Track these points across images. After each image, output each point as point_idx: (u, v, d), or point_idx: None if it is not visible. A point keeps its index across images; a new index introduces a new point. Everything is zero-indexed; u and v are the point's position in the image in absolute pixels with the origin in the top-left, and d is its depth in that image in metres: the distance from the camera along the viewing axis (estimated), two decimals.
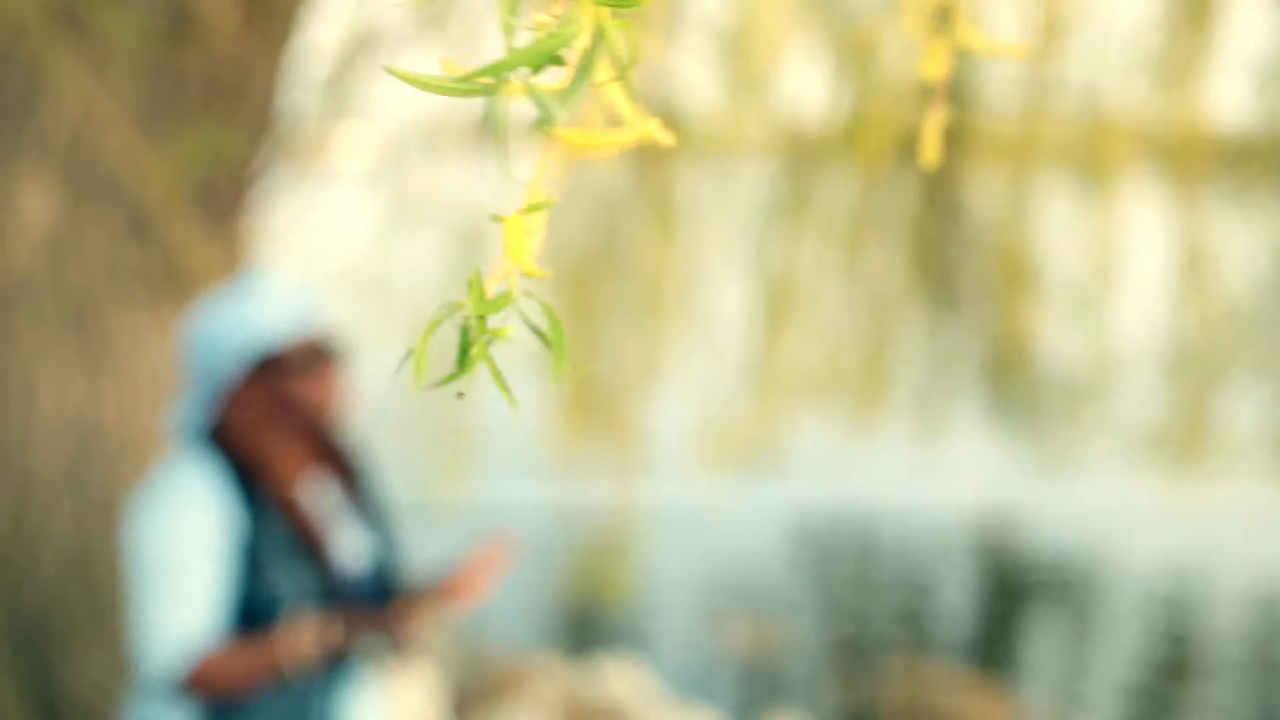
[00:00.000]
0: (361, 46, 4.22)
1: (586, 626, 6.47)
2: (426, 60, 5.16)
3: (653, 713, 4.79)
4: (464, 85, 0.62)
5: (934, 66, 0.73)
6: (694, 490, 7.11)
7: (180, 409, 2.23)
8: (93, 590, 3.51)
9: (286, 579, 2.09)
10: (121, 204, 3.50)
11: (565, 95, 0.62)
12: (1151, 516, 7.07)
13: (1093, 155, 5.96)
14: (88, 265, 3.49)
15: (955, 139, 6.04)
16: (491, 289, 0.62)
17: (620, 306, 5.79)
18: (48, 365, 3.46)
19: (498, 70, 0.61)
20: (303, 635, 2.02)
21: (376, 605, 2.20)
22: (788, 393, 6.22)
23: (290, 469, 2.16)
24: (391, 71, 0.61)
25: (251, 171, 3.78)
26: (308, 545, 2.12)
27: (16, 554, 3.45)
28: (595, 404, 5.74)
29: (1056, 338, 6.20)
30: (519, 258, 0.66)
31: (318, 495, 2.22)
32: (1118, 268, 5.98)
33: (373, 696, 2.27)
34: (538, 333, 0.64)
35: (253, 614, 2.09)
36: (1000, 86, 5.87)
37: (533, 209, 0.66)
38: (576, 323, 5.71)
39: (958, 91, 5.88)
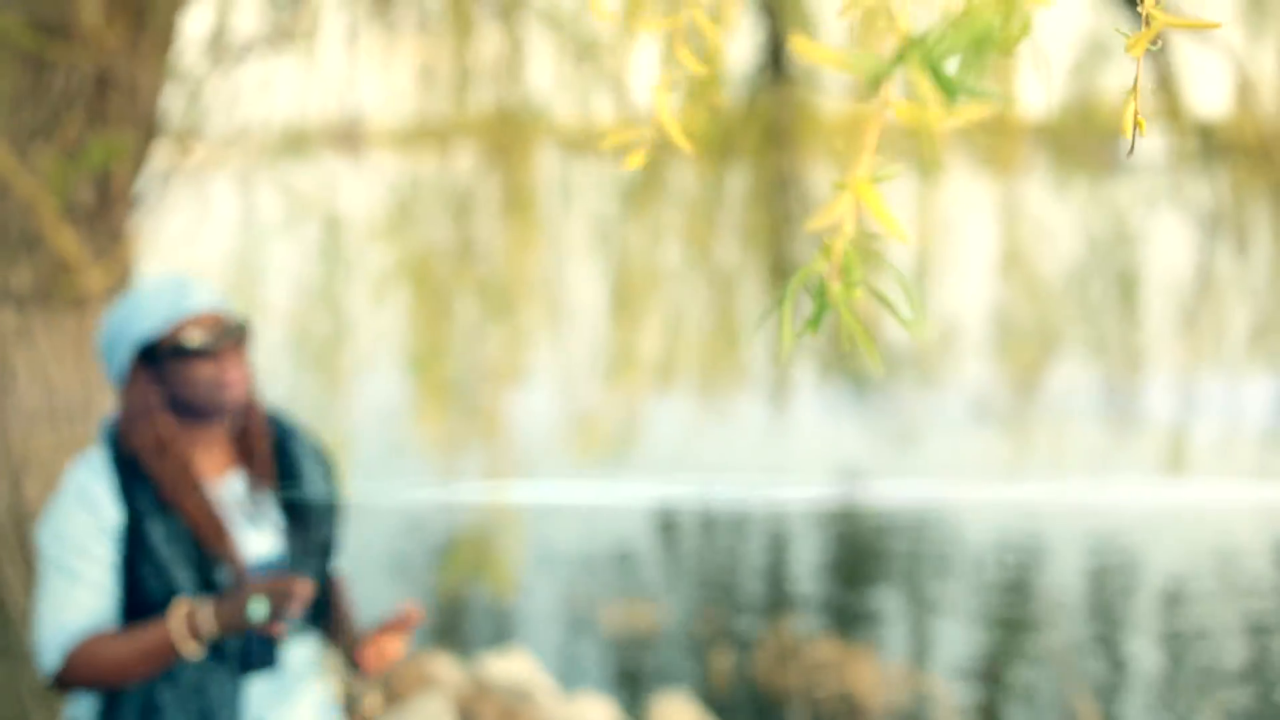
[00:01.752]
0: (228, 54, 4.21)
1: (466, 623, 6.52)
2: (285, 65, 5.15)
3: (543, 703, 4.88)
4: (875, 65, 0.67)
5: (1138, 47, 0.75)
6: (559, 480, 7.22)
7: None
8: None
9: (180, 573, 2.07)
10: (2, 218, 3.45)
11: (972, 69, 0.65)
12: (992, 478, 7.48)
13: (918, 137, 6.27)
14: None
15: (793, 122, 6.31)
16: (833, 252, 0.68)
17: (478, 301, 5.85)
18: None
19: (941, 50, 0.65)
20: (180, 611, 2.01)
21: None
22: (644, 379, 6.39)
23: (177, 461, 2.12)
24: (802, 48, 0.65)
25: (133, 179, 3.75)
26: (200, 539, 2.09)
27: None
28: (459, 401, 5.79)
29: (896, 315, 6.50)
30: (885, 221, 0.71)
31: (221, 485, 2.19)
32: (948, 246, 6.34)
33: (303, 690, 2.26)
34: (878, 295, 0.69)
35: (150, 609, 2.07)
36: (830, 73, 6.15)
37: (882, 179, 0.71)
38: (434, 319, 5.77)
39: (800, 76, 6.15)
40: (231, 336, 2.15)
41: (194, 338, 2.10)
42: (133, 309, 2.13)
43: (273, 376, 5.14)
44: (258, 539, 2.18)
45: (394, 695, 4.70)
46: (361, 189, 5.10)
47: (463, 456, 5.85)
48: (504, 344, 5.88)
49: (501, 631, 6.43)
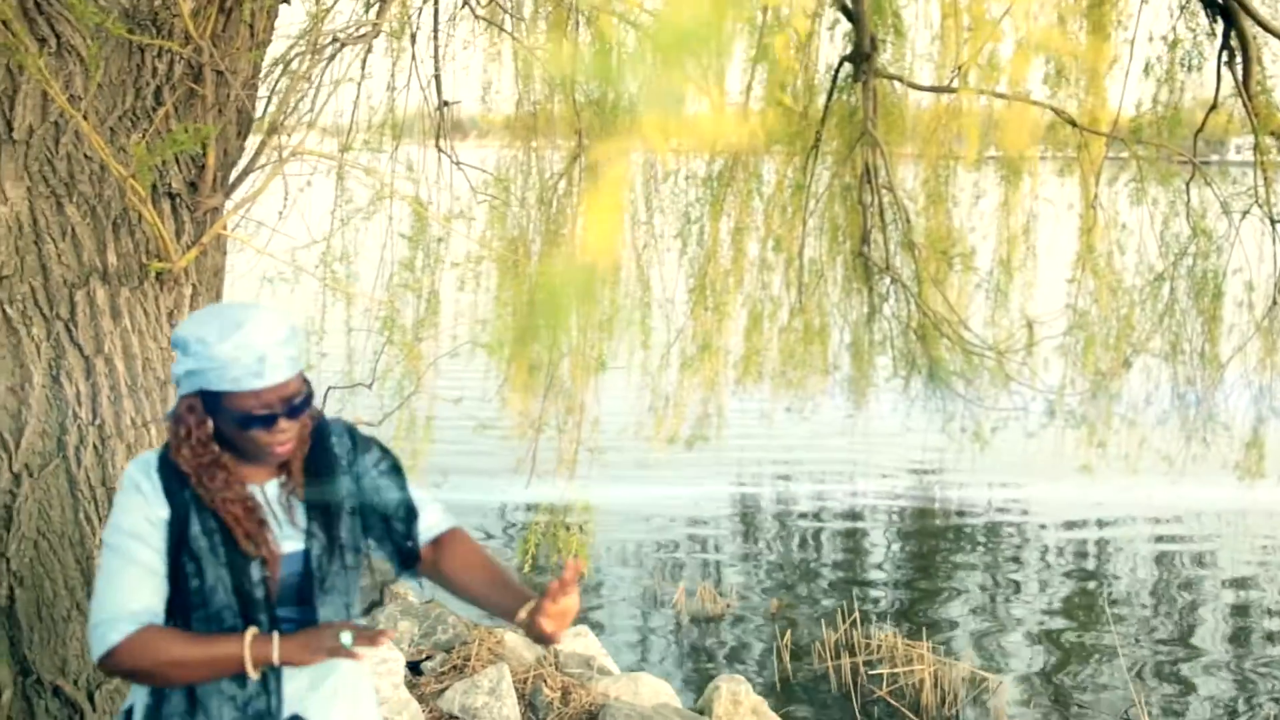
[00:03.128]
0: (323, 43, 4.37)
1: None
2: (378, 56, 5.35)
3: (602, 680, 5.00)
4: None
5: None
6: (641, 465, 7.35)
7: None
8: (68, 573, 3.65)
9: (215, 568, 2.21)
10: (100, 200, 3.63)
11: None
12: (1062, 477, 7.45)
13: (1006, 139, 6.27)
14: (66, 258, 3.62)
15: (877, 117, 6.33)
16: None
17: (562, 289, 5.97)
18: (28, 357, 3.58)
19: None
20: (251, 634, 2.15)
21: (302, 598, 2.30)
22: (726, 370, 6.48)
23: (221, 477, 2.25)
24: None
25: (225, 165, 3.93)
26: (235, 538, 2.23)
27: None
28: (542, 386, 5.93)
29: (979, 310, 6.52)
30: None
31: (262, 489, 2.32)
32: (1031, 249, 6.33)
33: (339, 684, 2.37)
34: None
35: (187, 601, 2.21)
36: (922, 72, 6.18)
37: None
38: (519, 306, 5.92)
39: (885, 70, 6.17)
40: (291, 409, 2.23)
41: (255, 409, 2.19)
42: (211, 359, 2.18)
43: (355, 358, 5.35)
44: (289, 539, 2.30)
45: (464, 668, 4.87)
46: (451, 177, 5.26)
47: (544, 439, 5.99)
48: (589, 332, 6.00)
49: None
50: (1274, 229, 5.52)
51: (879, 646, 5.92)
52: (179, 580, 2.21)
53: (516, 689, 4.69)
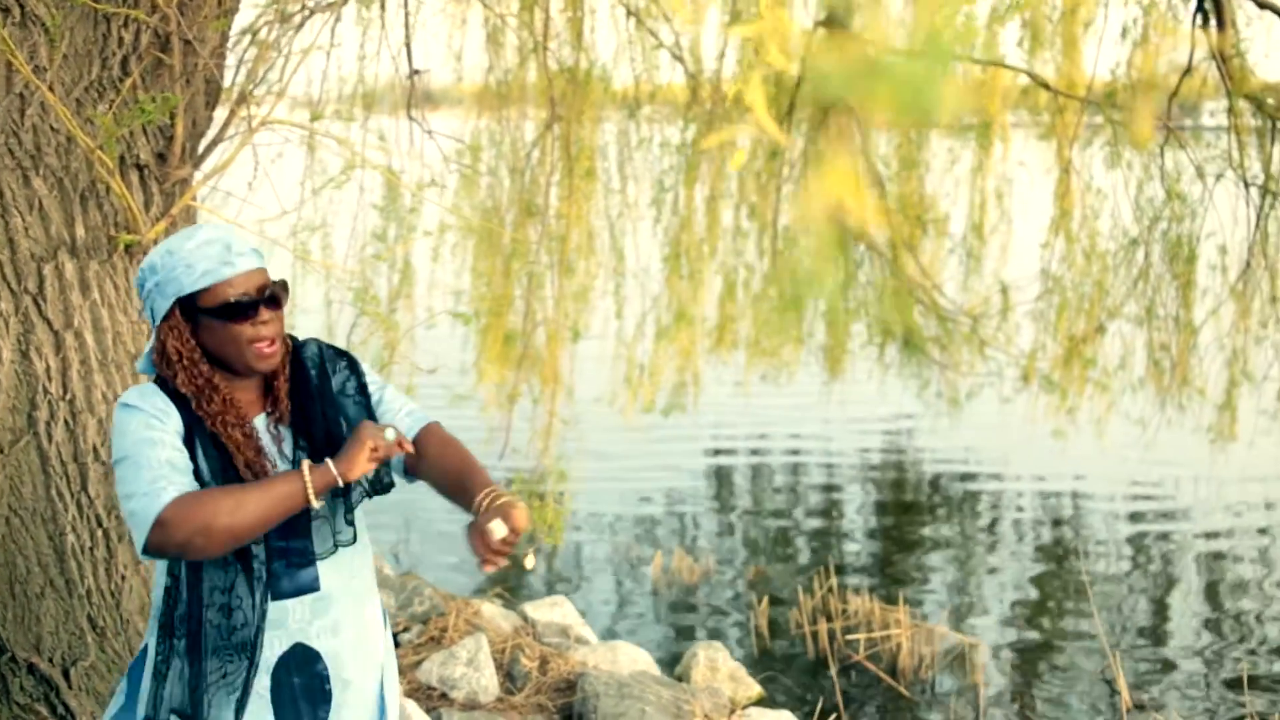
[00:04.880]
0: (292, 13, 4.33)
1: (519, 573, 6.68)
2: (348, 26, 5.30)
3: (580, 650, 5.01)
4: None
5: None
6: (615, 432, 7.36)
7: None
8: (40, 550, 3.62)
9: None
10: (67, 172, 3.59)
11: None
12: (1036, 442, 7.48)
13: (980, 106, 6.28)
14: (34, 231, 3.58)
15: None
16: None
17: (538, 258, 5.97)
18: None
19: None
20: (306, 465, 2.13)
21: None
22: (701, 338, 6.49)
23: (222, 403, 2.23)
24: None
25: (193, 136, 3.89)
26: (243, 469, 2.20)
27: None
28: (517, 354, 5.92)
29: (952, 279, 6.54)
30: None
31: (256, 420, 2.31)
32: (1005, 213, 6.36)
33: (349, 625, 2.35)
34: None
35: None
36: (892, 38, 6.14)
37: None
38: (497, 274, 5.91)
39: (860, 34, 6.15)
40: (269, 297, 2.22)
41: (234, 297, 2.17)
42: (178, 260, 2.18)
43: (334, 331, 5.33)
44: (280, 460, 2.29)
45: (441, 639, 4.87)
46: (423, 147, 5.21)
47: (519, 409, 5.99)
48: (563, 300, 5.99)
49: (553, 581, 6.60)
50: (1247, 192, 5.55)
51: (856, 612, 5.95)
52: None
53: (495, 659, 4.69)
